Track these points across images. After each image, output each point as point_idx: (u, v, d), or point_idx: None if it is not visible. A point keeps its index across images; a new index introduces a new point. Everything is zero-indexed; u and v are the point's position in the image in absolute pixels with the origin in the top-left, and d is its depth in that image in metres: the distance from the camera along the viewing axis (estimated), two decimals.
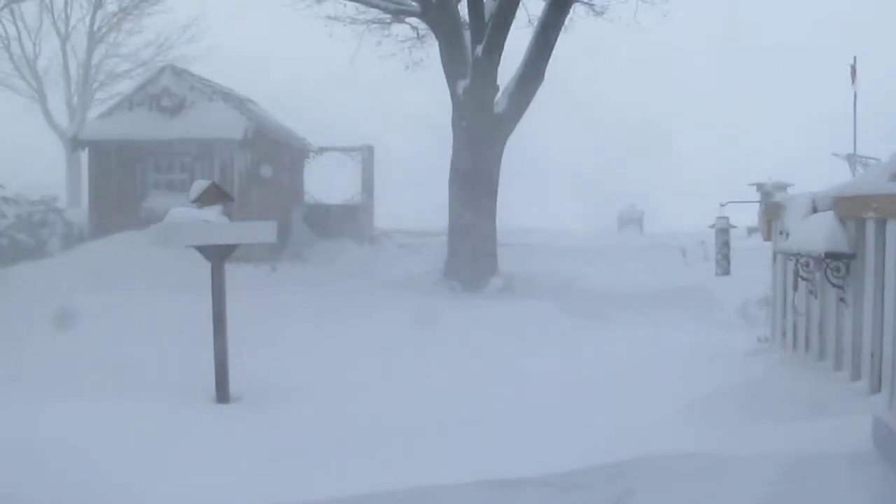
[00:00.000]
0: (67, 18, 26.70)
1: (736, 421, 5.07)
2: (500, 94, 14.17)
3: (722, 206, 8.84)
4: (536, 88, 14.20)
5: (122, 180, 15.75)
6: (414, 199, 21.17)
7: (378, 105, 30.09)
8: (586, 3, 16.65)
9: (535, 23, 14.59)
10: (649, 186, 25.76)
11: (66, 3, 26.46)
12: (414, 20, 16.83)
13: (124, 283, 11.23)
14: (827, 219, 5.40)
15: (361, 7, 16.75)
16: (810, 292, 6.08)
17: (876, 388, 4.92)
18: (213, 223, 6.84)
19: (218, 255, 6.84)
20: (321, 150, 19.62)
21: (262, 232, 7.29)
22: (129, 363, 7.54)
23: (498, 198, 14.49)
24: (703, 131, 31.68)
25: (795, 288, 6.47)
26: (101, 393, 6.49)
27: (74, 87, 27.24)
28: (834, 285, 5.47)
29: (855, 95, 21.79)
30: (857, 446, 3.77)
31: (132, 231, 14.29)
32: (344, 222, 18.58)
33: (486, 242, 14.22)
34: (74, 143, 17.24)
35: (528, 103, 14.29)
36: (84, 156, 17.10)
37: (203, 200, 7.00)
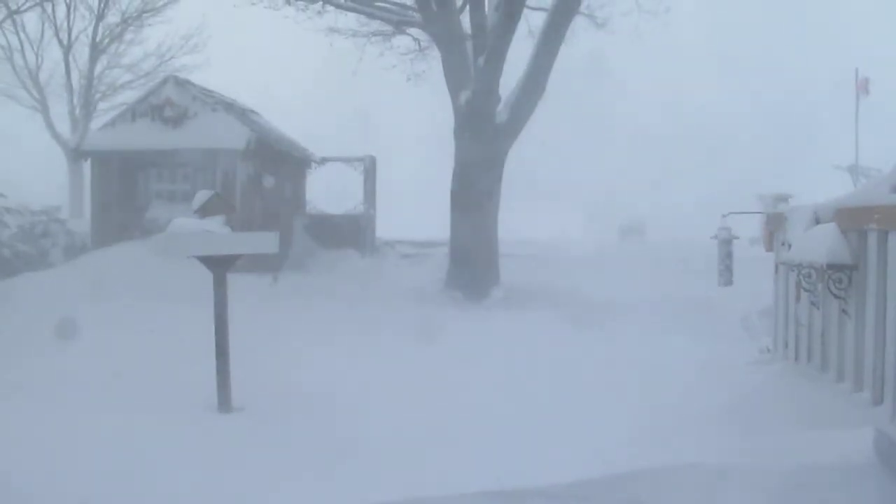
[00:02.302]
0: (70, 29, 26.74)
1: (738, 432, 5.07)
2: (501, 104, 14.21)
3: (723, 216, 8.83)
4: (538, 99, 14.25)
5: (125, 191, 15.77)
6: (416, 209, 21.21)
7: (380, 116, 30.14)
8: (587, 15, 16.73)
9: (537, 34, 14.64)
10: (651, 196, 25.81)
11: (68, 14, 26.53)
12: (416, 31, 16.91)
13: (126, 294, 11.24)
14: (829, 230, 5.41)
15: (363, 19, 16.84)
16: (812, 303, 6.08)
17: (878, 400, 4.91)
18: (216, 233, 6.85)
19: (220, 266, 6.85)
20: (323, 160, 19.64)
21: (264, 242, 7.29)
22: (131, 373, 7.54)
23: (499, 208, 14.51)
24: (705, 140, 31.68)
25: (797, 299, 6.47)
26: (103, 403, 6.49)
27: (77, 97, 27.26)
28: (836, 296, 5.48)
29: (857, 105, 21.86)
30: (859, 458, 3.77)
31: (134, 241, 14.32)
32: (346, 232, 18.58)
33: (487, 253, 14.23)
34: (77, 154, 17.29)
35: (529, 114, 14.34)
36: (86, 166, 17.11)
37: (205, 211, 7.02)
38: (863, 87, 23.33)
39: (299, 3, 16.61)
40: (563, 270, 15.05)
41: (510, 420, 6.05)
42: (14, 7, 23.74)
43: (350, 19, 17.07)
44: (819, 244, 5.39)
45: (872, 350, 5.00)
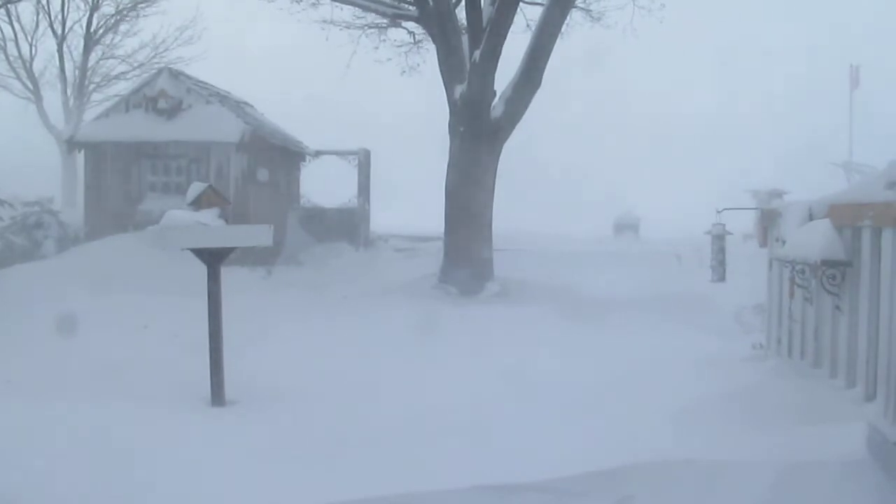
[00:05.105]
0: (64, 20, 26.57)
1: (732, 427, 5.08)
2: (497, 99, 14.18)
3: (718, 212, 8.85)
4: (533, 94, 14.21)
5: (118, 182, 15.72)
6: (410, 203, 21.19)
7: (375, 109, 30.09)
8: (584, 9, 16.72)
9: (533, 28, 14.61)
10: (646, 192, 25.81)
11: (62, 4, 26.39)
12: (411, 24, 16.86)
13: (120, 286, 11.20)
14: (823, 226, 5.42)
15: (358, 11, 16.77)
16: (806, 299, 6.10)
17: (871, 396, 4.93)
18: (210, 226, 6.84)
19: (214, 258, 6.84)
20: (318, 153, 19.61)
21: (258, 235, 7.28)
22: (124, 366, 7.52)
23: (494, 202, 14.49)
24: (700, 137, 31.73)
25: (791, 295, 6.48)
26: (96, 396, 6.47)
27: (71, 88, 27.13)
28: (829, 293, 5.49)
29: (851, 101, 21.90)
30: (852, 454, 3.78)
31: (128, 233, 14.28)
32: (340, 226, 18.56)
33: (481, 247, 14.21)
34: (70, 145, 17.19)
35: (524, 108, 14.30)
36: (80, 157, 17.06)
37: (199, 203, 7.02)
38: (854, 78, 23.43)
39: None
40: (558, 266, 15.05)
41: (505, 415, 6.05)
42: None
43: (345, 12, 17.03)
44: (813, 240, 5.40)
45: (865, 346, 5.02)
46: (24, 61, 26.94)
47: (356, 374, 7.68)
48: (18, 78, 27.19)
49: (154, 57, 27.49)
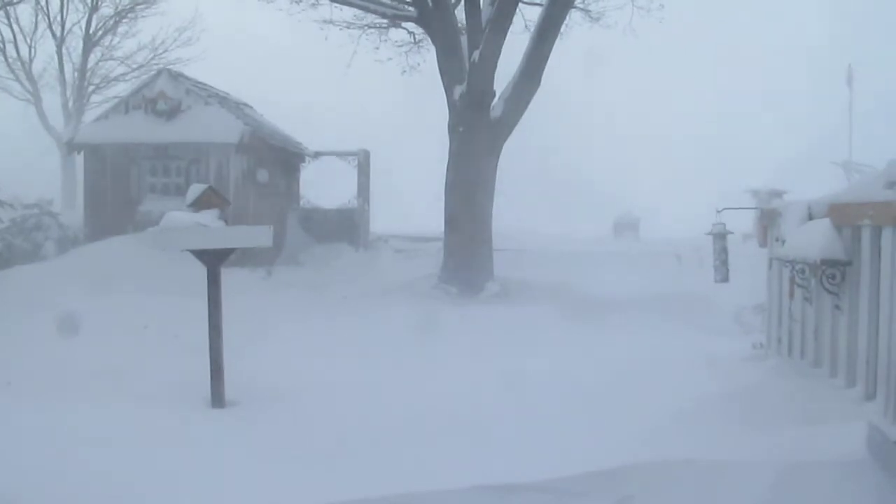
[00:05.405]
0: (63, 21, 26.62)
1: (732, 427, 5.08)
2: (496, 99, 14.19)
3: (718, 212, 8.84)
4: (533, 93, 14.23)
5: (118, 184, 15.71)
6: (410, 203, 21.19)
7: (374, 109, 30.08)
8: (582, 10, 16.72)
9: (532, 28, 14.62)
10: (645, 192, 25.81)
11: (61, 6, 26.42)
12: (411, 25, 16.86)
13: (119, 287, 11.20)
14: (823, 226, 5.42)
15: (358, 12, 16.77)
16: (806, 299, 6.10)
17: (871, 395, 4.93)
18: (210, 227, 6.84)
19: (214, 260, 6.84)
20: (317, 154, 19.61)
21: (258, 236, 7.28)
22: (125, 368, 7.52)
23: (494, 203, 14.50)
24: (700, 137, 31.72)
25: (791, 295, 6.48)
26: (96, 397, 6.48)
27: (70, 90, 27.14)
28: (829, 292, 5.49)
29: (850, 102, 21.89)
30: (852, 453, 3.77)
31: (128, 235, 14.28)
32: (340, 227, 18.56)
33: (481, 247, 14.22)
34: (70, 147, 17.19)
35: (524, 108, 14.32)
36: (79, 159, 17.05)
37: (199, 204, 7.00)
38: (849, 78, 23.48)
39: None
40: (558, 266, 15.05)
41: (505, 415, 6.05)
42: None
43: (344, 12, 17.02)
44: (813, 240, 5.41)
45: (865, 345, 5.02)
46: (23, 63, 26.95)
47: (356, 375, 7.68)
48: (18, 80, 27.19)
49: (153, 58, 27.52)
